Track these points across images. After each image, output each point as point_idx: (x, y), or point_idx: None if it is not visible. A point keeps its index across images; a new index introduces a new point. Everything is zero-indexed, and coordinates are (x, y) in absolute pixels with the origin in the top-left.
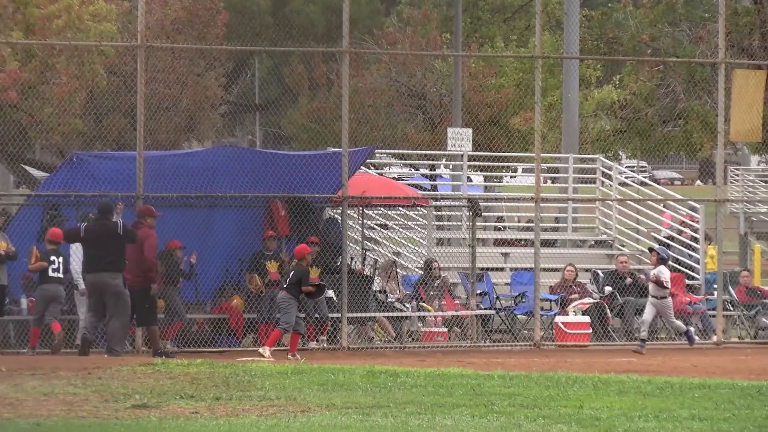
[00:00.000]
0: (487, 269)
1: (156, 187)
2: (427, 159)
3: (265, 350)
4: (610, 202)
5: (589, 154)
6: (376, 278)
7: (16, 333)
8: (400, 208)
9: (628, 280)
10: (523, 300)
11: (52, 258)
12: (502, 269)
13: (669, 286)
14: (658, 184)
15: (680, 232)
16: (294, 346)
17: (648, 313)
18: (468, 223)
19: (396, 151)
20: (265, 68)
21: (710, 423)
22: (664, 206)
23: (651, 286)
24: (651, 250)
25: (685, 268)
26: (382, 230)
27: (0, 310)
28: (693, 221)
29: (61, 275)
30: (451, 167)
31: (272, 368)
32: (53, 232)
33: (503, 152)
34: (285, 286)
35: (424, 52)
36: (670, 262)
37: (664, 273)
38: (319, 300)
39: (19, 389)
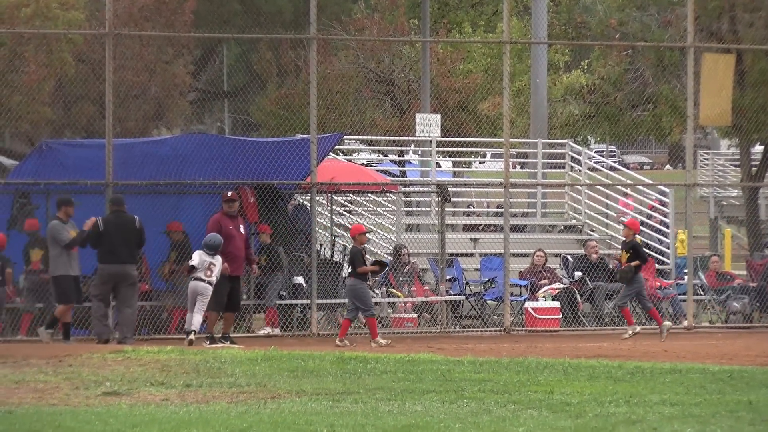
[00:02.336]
0: (457, 255)
1: (125, 174)
2: (395, 145)
3: (378, 341)
4: (580, 187)
5: (558, 139)
6: (345, 264)
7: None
8: (369, 194)
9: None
10: (493, 285)
11: None
12: (471, 255)
13: None
14: (628, 168)
15: (649, 217)
16: (343, 330)
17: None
18: (437, 209)
19: (364, 138)
20: (234, 55)
21: (681, 408)
22: (627, 192)
23: None
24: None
25: (656, 252)
26: (351, 216)
27: (78, 299)
28: (662, 206)
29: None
30: (419, 153)
31: (242, 355)
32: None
33: (472, 138)
34: (350, 272)
35: (392, 38)
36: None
37: None
38: (268, 287)
39: None
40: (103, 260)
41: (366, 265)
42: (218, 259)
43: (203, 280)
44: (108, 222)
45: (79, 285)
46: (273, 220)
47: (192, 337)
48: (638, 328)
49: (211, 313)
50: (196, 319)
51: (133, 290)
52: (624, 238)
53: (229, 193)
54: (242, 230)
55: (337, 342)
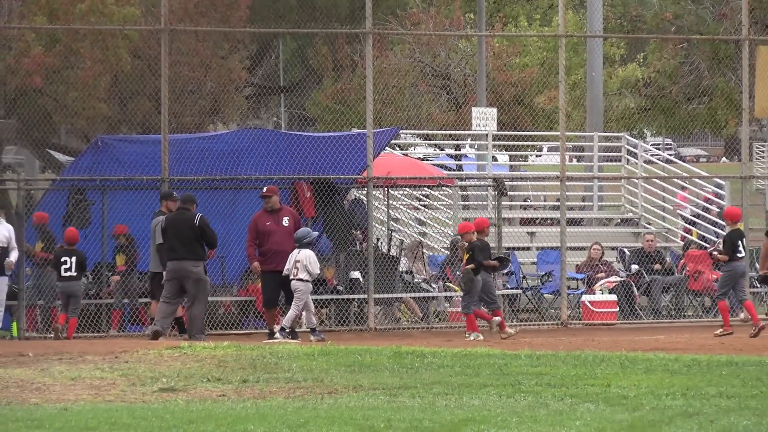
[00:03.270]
0: (514, 249)
1: (181, 170)
2: (451, 139)
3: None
4: (636, 180)
5: (614, 132)
6: (402, 259)
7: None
8: (426, 189)
9: (657, 266)
10: (550, 279)
11: (64, 258)
12: (528, 248)
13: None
14: (684, 161)
15: (706, 209)
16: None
17: None
18: (493, 203)
19: (421, 132)
20: (289, 50)
21: (738, 400)
22: (683, 185)
23: None
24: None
25: (711, 245)
26: (408, 211)
27: (153, 294)
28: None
29: (74, 273)
30: (476, 147)
31: (299, 350)
32: (69, 233)
33: (528, 131)
34: (470, 265)
35: (448, 32)
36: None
37: None
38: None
39: (47, 374)
40: (165, 257)
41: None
42: (303, 254)
43: (296, 279)
44: (168, 219)
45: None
46: (329, 215)
47: (278, 335)
48: (481, 336)
49: (266, 311)
50: (289, 316)
51: (196, 287)
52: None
53: (264, 189)
54: (286, 223)
55: (465, 336)
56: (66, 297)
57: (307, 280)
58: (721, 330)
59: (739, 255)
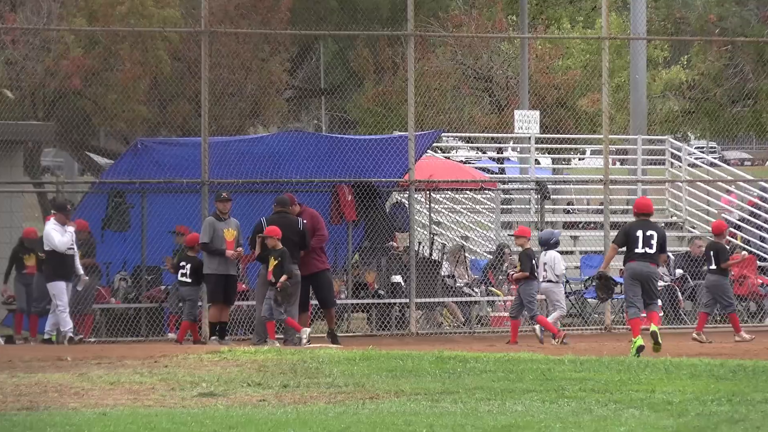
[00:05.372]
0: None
1: (221, 173)
2: (494, 142)
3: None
4: (680, 184)
5: (657, 135)
6: (444, 263)
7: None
8: (468, 192)
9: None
10: (593, 283)
11: (183, 263)
12: (571, 252)
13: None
14: (728, 164)
15: (752, 214)
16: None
17: None
18: (536, 206)
19: (463, 135)
20: (330, 52)
21: None
22: (728, 189)
23: None
24: None
25: (757, 249)
26: (450, 214)
27: (227, 298)
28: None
29: (188, 279)
30: (518, 150)
31: (340, 355)
32: (191, 238)
33: (571, 134)
34: (712, 267)
35: (490, 34)
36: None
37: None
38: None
39: (85, 378)
40: (265, 260)
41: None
42: (549, 256)
43: (545, 281)
44: (272, 223)
45: (234, 284)
46: (371, 219)
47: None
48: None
49: (300, 315)
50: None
51: (294, 290)
52: None
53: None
54: (300, 227)
55: (693, 336)
56: (180, 300)
57: (556, 281)
58: None
59: None
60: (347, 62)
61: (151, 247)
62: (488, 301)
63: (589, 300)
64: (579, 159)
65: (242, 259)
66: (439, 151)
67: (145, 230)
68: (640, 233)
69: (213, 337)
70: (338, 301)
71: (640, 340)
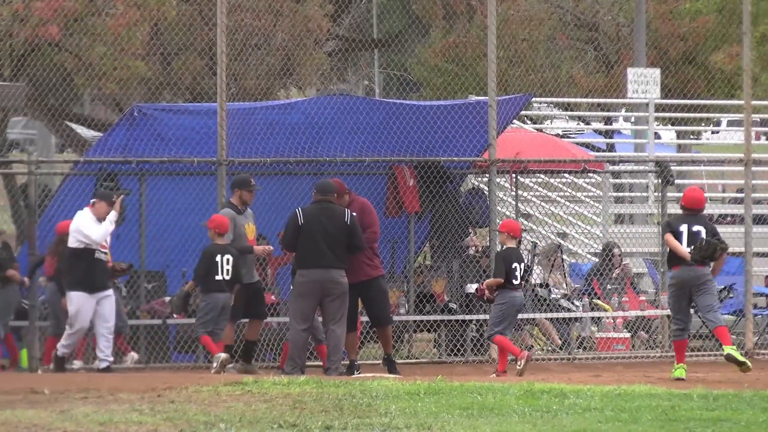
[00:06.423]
0: None
1: (244, 149)
2: (600, 110)
3: None
4: None
5: None
6: (535, 267)
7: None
8: (566, 175)
9: None
10: (730, 295)
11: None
12: None
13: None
14: None
15: None
16: None
17: None
18: (656, 194)
19: (559, 100)
20: None
21: None
22: None
23: None
24: None
25: None
26: (543, 204)
27: (258, 312)
28: None
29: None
30: (632, 120)
31: (399, 387)
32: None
33: (702, 100)
34: None
35: None
36: None
37: None
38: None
39: (67, 417)
40: (302, 264)
41: None
42: None
43: None
44: (308, 214)
45: (261, 293)
46: (439, 210)
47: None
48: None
49: (347, 335)
50: None
51: (341, 304)
52: None
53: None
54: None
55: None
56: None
57: None
58: None
59: None
60: (408, 5)
61: (152, 247)
62: (592, 318)
63: (724, 316)
64: (712, 132)
65: (271, 263)
66: (528, 122)
67: (144, 224)
68: (684, 228)
69: (230, 365)
70: (396, 318)
71: (679, 370)
